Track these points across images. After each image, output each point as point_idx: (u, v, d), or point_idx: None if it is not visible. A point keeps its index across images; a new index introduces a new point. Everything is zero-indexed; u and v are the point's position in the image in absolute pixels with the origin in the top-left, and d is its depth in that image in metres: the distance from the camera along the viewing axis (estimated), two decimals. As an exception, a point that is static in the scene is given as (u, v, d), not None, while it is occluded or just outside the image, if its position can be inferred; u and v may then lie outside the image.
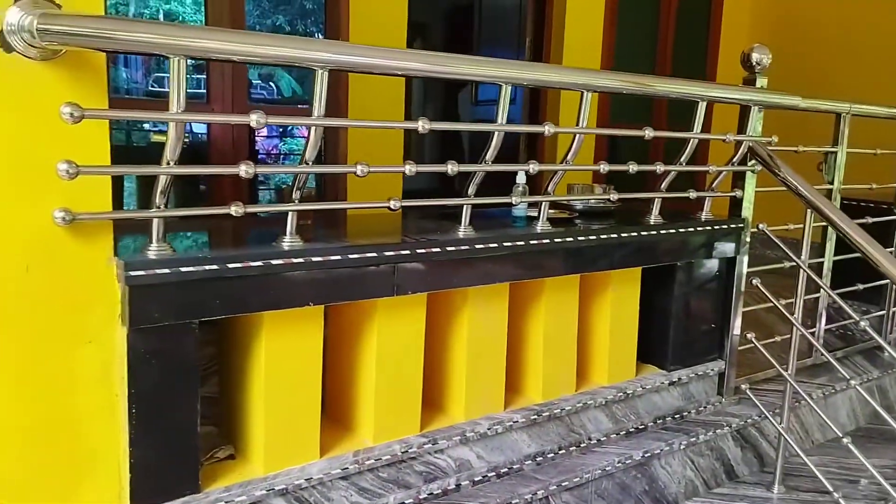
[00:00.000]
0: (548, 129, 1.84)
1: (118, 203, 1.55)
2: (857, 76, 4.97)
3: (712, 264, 2.52)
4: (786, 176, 2.45)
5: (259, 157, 6.45)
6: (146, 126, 4.75)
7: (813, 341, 2.39)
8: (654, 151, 5.14)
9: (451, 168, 1.74)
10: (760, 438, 2.63)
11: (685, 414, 2.50)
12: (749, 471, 2.62)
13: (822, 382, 2.93)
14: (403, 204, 1.69)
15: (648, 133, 2.02)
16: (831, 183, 2.94)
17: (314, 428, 1.74)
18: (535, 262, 1.99)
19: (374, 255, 1.67)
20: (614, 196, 2.14)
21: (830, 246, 3.00)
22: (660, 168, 2.15)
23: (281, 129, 7.07)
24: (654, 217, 2.30)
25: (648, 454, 2.26)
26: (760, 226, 2.51)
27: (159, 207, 1.48)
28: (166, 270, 1.46)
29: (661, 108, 5.23)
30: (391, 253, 1.69)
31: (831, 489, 2.32)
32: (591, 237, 2.09)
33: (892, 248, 3.28)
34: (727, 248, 2.51)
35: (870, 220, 3.14)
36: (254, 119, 1.43)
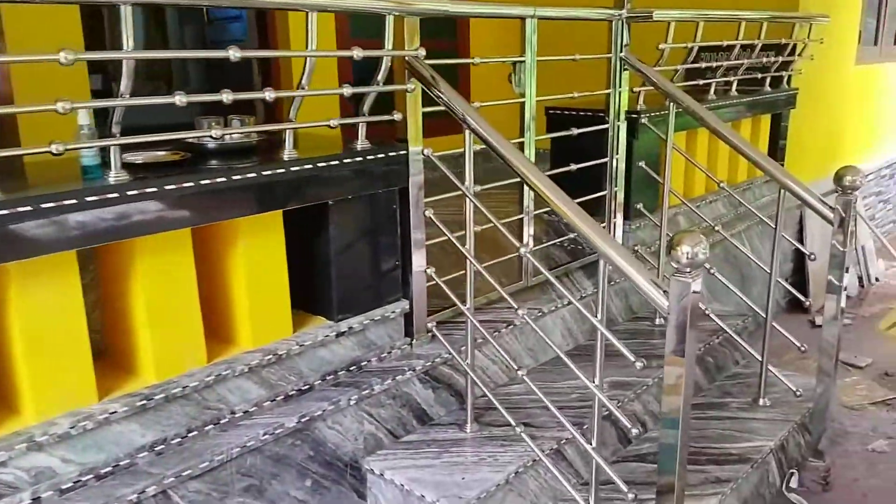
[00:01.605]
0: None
1: None
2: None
3: (379, 197, 2.30)
4: (449, 97, 2.23)
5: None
6: None
7: (482, 271, 2.23)
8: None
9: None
10: (457, 376, 2.51)
11: (363, 364, 2.31)
12: (446, 411, 2.50)
13: (531, 306, 2.84)
14: None
15: (233, 54, 1.71)
16: (524, 95, 2.78)
17: None
18: (98, 223, 1.64)
19: None
20: (217, 132, 1.82)
21: (530, 163, 2.86)
22: (269, 94, 1.86)
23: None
24: (288, 151, 2.02)
25: (307, 418, 2.05)
26: (426, 151, 2.31)
27: None
28: None
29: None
30: None
31: (513, 423, 2.22)
32: (188, 184, 1.77)
33: (607, 158, 3.22)
34: (392, 178, 2.29)
35: (575, 131, 3.05)
36: None
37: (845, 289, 2.73)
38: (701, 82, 3.65)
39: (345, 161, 2.12)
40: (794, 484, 2.86)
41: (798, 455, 2.92)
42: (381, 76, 2.15)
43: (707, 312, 2.98)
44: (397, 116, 2.25)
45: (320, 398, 2.13)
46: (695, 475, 2.49)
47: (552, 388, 2.64)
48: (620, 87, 3.14)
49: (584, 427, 2.34)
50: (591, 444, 2.07)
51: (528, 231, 2.87)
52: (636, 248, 3.33)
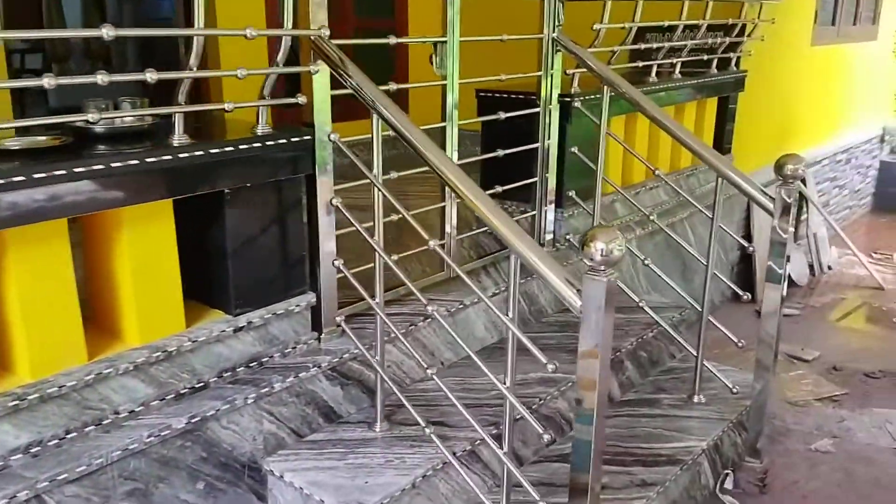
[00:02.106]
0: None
1: None
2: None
3: (283, 185, 2.28)
4: (357, 81, 2.22)
5: None
6: None
7: (391, 263, 2.23)
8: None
9: None
10: (368, 372, 2.51)
11: (265, 360, 2.30)
12: (357, 409, 2.51)
13: (453, 298, 2.86)
14: None
15: (107, 32, 1.69)
16: (446, 77, 2.78)
17: None
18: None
19: None
20: (94, 116, 1.80)
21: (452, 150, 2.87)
22: (151, 76, 1.83)
23: None
24: (178, 137, 2.00)
25: (198, 418, 2.05)
26: (332, 136, 2.30)
27: None
28: None
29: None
30: None
31: (422, 423, 2.24)
32: (60, 171, 1.74)
33: (540, 143, 3.24)
34: (297, 164, 2.28)
35: (503, 115, 3.06)
36: None
37: (786, 278, 2.73)
38: (641, 64, 3.68)
39: (241, 147, 2.11)
40: (729, 485, 2.87)
41: (734, 455, 2.94)
42: (280, 57, 2.13)
43: (640, 305, 3.02)
44: (301, 100, 2.24)
45: (215, 397, 2.12)
46: (619, 477, 2.50)
47: (470, 385, 2.66)
48: (553, 69, 3.15)
49: (502, 426, 2.36)
50: (502, 449, 2.09)
51: (451, 219, 2.88)
52: (567, 236, 3.37)
